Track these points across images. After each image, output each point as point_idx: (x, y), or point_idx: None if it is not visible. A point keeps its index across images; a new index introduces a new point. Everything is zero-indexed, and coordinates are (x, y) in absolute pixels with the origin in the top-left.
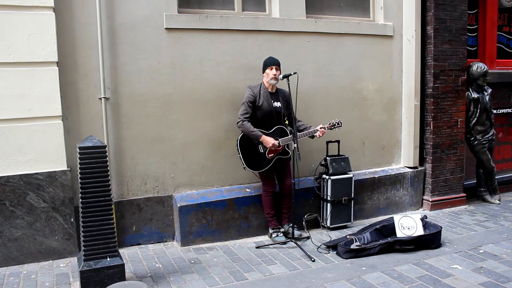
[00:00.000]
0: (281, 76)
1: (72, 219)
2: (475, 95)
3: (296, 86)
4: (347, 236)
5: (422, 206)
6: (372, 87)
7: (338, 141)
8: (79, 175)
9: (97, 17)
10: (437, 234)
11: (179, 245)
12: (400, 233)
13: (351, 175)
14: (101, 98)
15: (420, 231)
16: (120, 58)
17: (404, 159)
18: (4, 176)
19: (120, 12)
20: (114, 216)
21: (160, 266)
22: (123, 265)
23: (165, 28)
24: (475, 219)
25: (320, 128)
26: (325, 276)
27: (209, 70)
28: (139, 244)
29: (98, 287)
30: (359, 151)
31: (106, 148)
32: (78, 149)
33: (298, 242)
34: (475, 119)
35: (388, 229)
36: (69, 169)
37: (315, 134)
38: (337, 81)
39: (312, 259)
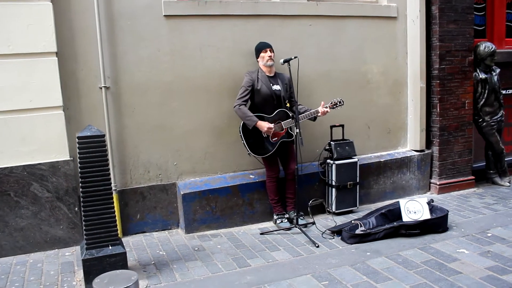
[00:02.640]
0: (281, 60)
1: (76, 208)
2: (482, 75)
3: (298, 71)
4: (352, 221)
5: (429, 189)
6: (376, 70)
7: (342, 126)
8: (79, 165)
9: (95, 6)
10: (443, 218)
11: (184, 233)
12: (406, 217)
13: (356, 160)
14: (101, 88)
15: (426, 215)
16: (119, 47)
17: (411, 143)
18: (8, 167)
19: (119, 0)
20: (115, 204)
21: (164, 253)
22: (125, 253)
23: (164, 15)
24: (484, 202)
25: (323, 107)
26: (329, 261)
27: (210, 56)
28: (144, 232)
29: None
30: (364, 135)
31: (105, 137)
32: (77, 139)
33: (302, 228)
34: (483, 100)
35: (394, 213)
36: (72, 158)
37: (317, 115)
38: (340, 65)
39: (316, 245)
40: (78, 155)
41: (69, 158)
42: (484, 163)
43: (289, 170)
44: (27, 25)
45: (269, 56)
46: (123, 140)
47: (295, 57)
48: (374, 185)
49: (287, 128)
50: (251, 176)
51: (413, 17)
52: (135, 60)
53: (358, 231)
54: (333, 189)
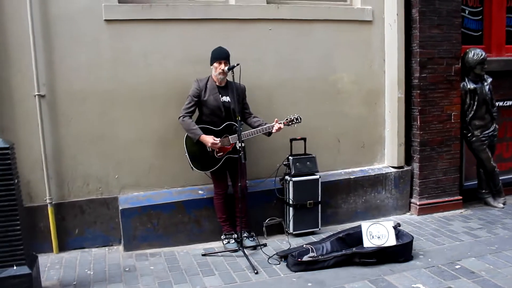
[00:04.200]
0: (226, 68)
1: None
2: (471, 85)
3: (239, 79)
4: (304, 246)
5: (409, 210)
6: (348, 78)
7: (304, 139)
8: None
9: (28, 8)
10: (405, 246)
11: (123, 250)
12: (368, 243)
13: (317, 177)
14: (35, 96)
15: (391, 241)
16: (56, 52)
17: (388, 158)
18: None
19: (55, 3)
20: (50, 218)
21: (91, 273)
22: (30, 274)
23: (105, 20)
24: (467, 226)
25: (277, 123)
26: None
27: (155, 63)
28: (83, 247)
29: None
30: (334, 149)
31: (9, 150)
32: None
33: (250, 250)
34: (472, 112)
35: (354, 238)
36: None
37: (271, 131)
38: (305, 73)
39: (256, 271)
40: None
41: None
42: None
43: (237, 187)
44: None
45: (221, 69)
46: (60, 151)
47: (237, 64)
48: (343, 204)
49: (235, 143)
50: (200, 191)
51: (390, 21)
52: (73, 67)
53: (305, 258)
54: (291, 208)
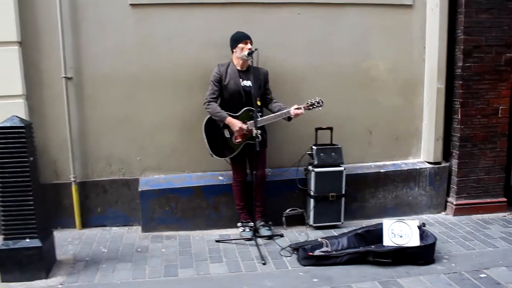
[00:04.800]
0: (245, 53)
1: None
2: None
3: (257, 63)
4: (319, 239)
5: (445, 209)
6: (383, 66)
7: (330, 128)
8: None
9: None
10: (427, 248)
11: (141, 231)
12: (389, 241)
13: (341, 168)
14: (62, 78)
15: (414, 241)
16: (83, 37)
17: (424, 153)
18: None
19: None
20: (74, 196)
21: (105, 251)
22: (41, 247)
23: (130, 4)
24: (506, 232)
25: (295, 108)
26: (263, 284)
27: (179, 48)
28: (105, 226)
29: (17, 267)
30: (365, 140)
31: (27, 129)
32: None
33: (261, 241)
34: None
35: (374, 235)
36: None
37: (290, 115)
38: (335, 59)
39: (263, 262)
40: None
41: None
42: None
43: (256, 175)
44: None
45: (249, 49)
46: (85, 132)
47: (255, 49)
48: (371, 199)
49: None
50: (220, 177)
51: (432, 5)
52: (99, 51)
53: (317, 252)
54: (312, 200)
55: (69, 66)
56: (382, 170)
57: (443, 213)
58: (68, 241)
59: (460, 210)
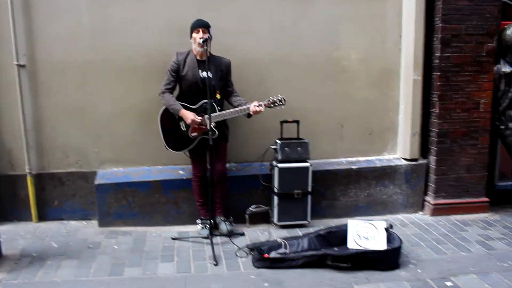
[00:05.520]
0: (200, 40)
1: None
2: (507, 69)
3: (207, 52)
4: (278, 240)
5: (423, 209)
6: (355, 56)
7: (297, 121)
8: None
9: None
10: (391, 252)
11: (97, 225)
12: (353, 244)
13: (307, 164)
14: (15, 65)
15: (380, 245)
16: (35, 22)
17: (400, 149)
18: None
19: None
20: (30, 188)
21: (56, 246)
22: None
23: None
24: (484, 235)
25: (255, 105)
26: (209, 286)
27: (137, 34)
28: (62, 219)
29: None
30: (335, 135)
31: None
32: None
33: (220, 239)
34: (507, 101)
35: (337, 236)
36: None
37: (249, 112)
38: (304, 48)
39: (215, 263)
40: None
41: None
42: None
43: (215, 170)
44: None
45: (200, 38)
46: (40, 121)
47: (208, 37)
48: (342, 197)
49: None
50: (180, 171)
51: None
52: (53, 37)
53: (273, 254)
54: (276, 197)
55: (22, 53)
56: (353, 167)
57: (420, 213)
58: (21, 235)
59: (438, 210)
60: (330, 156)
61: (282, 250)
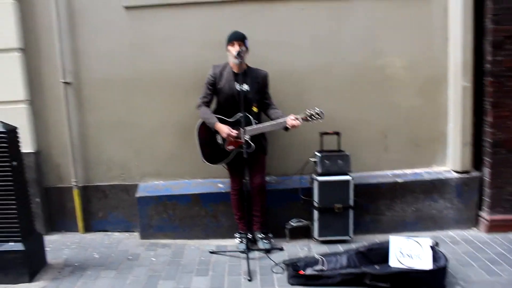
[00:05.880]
0: (235, 53)
1: (37, 199)
2: None
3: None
4: (316, 256)
5: (477, 225)
6: (400, 63)
7: (337, 133)
8: None
9: (53, 2)
10: (435, 273)
11: (139, 237)
12: (395, 262)
13: (348, 178)
14: (62, 83)
15: (426, 264)
16: (80, 41)
17: (450, 160)
18: None
19: None
20: (76, 200)
21: (97, 257)
22: (24, 251)
23: (124, 7)
24: None
25: (291, 118)
26: None
27: (175, 49)
28: (107, 231)
29: (1, 269)
30: (379, 146)
31: (7, 134)
32: None
33: (258, 254)
34: None
35: (378, 254)
36: (34, 151)
37: (286, 125)
38: (344, 57)
39: (248, 279)
40: None
41: (31, 151)
42: None
43: (253, 183)
44: None
45: (235, 51)
46: (86, 136)
47: (244, 50)
48: (387, 211)
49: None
50: (219, 185)
51: None
52: (95, 55)
53: (308, 271)
54: (316, 211)
55: (68, 70)
56: (399, 180)
57: (474, 229)
58: (66, 245)
59: (494, 227)
60: (373, 168)
61: (319, 267)
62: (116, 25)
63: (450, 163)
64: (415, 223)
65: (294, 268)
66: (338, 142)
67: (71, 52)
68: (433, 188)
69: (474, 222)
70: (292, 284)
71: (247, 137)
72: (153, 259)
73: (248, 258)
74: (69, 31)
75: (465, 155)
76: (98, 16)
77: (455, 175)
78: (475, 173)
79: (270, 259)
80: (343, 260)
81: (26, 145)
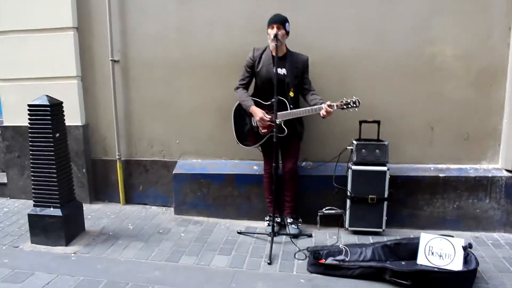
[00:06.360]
0: (272, 35)
1: (84, 170)
2: None
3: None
4: (340, 246)
5: None
6: (451, 52)
7: (378, 122)
8: (29, 131)
9: None
10: (463, 275)
11: (173, 213)
12: (424, 260)
13: (384, 168)
14: (110, 61)
15: (456, 265)
16: (129, 23)
17: (503, 158)
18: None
19: None
20: (119, 173)
21: (131, 228)
22: (61, 217)
23: None
24: None
25: (327, 105)
26: (254, 285)
27: (219, 33)
28: (145, 204)
29: (42, 232)
30: (424, 139)
31: (52, 107)
32: (27, 106)
33: (284, 238)
34: None
35: (406, 249)
36: (83, 124)
37: (319, 112)
38: (390, 44)
39: (269, 262)
40: (28, 122)
41: (80, 124)
42: None
43: (285, 168)
44: (51, 4)
45: (273, 35)
46: (130, 113)
47: (280, 31)
48: (425, 206)
49: (281, 120)
50: (255, 167)
51: None
52: (143, 36)
53: (329, 260)
54: (348, 200)
55: (116, 49)
56: (441, 175)
57: None
58: (107, 214)
59: None
60: (416, 161)
61: (341, 257)
62: (164, 8)
63: (502, 161)
64: (456, 222)
65: (315, 256)
66: (378, 131)
67: (121, 33)
68: (479, 186)
69: None
70: (310, 272)
71: (278, 122)
72: (182, 234)
73: (272, 242)
74: (120, 12)
75: None
76: None
77: (506, 174)
78: None
79: (294, 244)
80: (368, 253)
81: (76, 119)
